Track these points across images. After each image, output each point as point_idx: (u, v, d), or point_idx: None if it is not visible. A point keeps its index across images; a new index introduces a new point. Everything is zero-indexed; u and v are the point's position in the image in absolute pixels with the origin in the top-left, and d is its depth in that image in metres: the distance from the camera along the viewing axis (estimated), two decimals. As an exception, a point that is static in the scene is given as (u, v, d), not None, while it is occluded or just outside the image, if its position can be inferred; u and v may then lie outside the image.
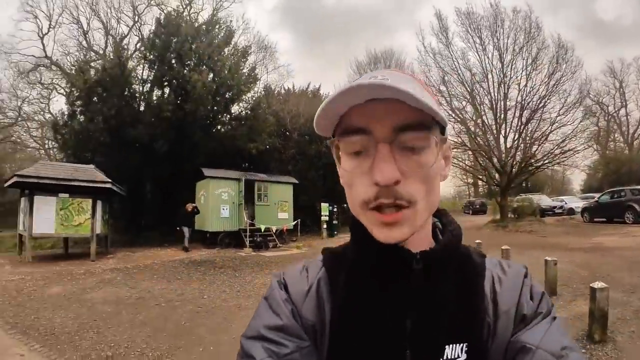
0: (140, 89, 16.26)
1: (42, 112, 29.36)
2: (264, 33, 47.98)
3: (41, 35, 28.00)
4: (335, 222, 18.55)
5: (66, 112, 15.55)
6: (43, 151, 31.05)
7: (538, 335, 0.55)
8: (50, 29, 28.25)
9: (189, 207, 14.25)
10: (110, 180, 12.21)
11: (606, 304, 3.95)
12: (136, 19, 29.32)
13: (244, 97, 17.64)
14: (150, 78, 16.55)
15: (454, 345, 0.57)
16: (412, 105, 0.51)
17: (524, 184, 29.99)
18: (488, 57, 20.99)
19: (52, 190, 11.79)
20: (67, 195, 11.92)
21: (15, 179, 11.46)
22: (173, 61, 15.37)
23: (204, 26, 18.67)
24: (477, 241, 9.62)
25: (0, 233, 23.92)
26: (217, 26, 19.04)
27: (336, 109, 0.54)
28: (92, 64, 27.61)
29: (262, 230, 14.77)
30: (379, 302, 0.60)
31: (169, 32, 16.22)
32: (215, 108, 16.35)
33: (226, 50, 17.88)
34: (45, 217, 11.71)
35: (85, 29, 28.93)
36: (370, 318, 0.60)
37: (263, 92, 20.91)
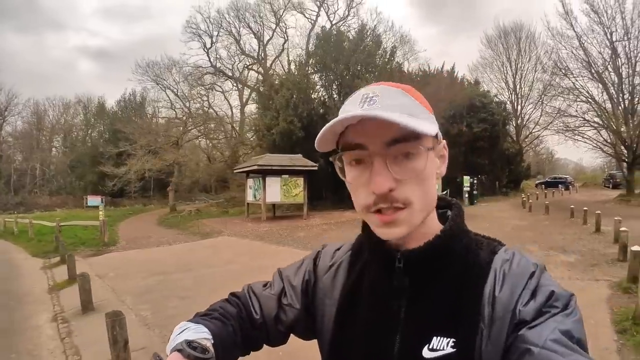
0: (317, 94, 22.46)
1: (203, 108, 37.32)
2: (385, 8, 52.27)
3: (206, 50, 36.35)
4: (475, 192, 23.53)
5: (267, 119, 22.33)
6: (206, 141, 39.47)
7: (544, 335, 0.56)
8: (213, 44, 36.41)
9: None
10: (316, 164, 18.61)
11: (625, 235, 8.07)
12: (278, 22, 36.05)
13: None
14: (321, 83, 22.69)
15: (442, 337, 0.65)
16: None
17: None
18: (613, 34, 23.11)
19: (277, 173, 18.49)
20: (287, 176, 18.63)
21: (256, 167, 18.48)
22: (342, 71, 21.19)
23: (354, 33, 24.18)
24: (585, 208, 13.58)
25: (206, 202, 32.59)
26: (364, 31, 24.42)
27: (333, 130, 0.64)
28: (252, 67, 35.12)
29: None
30: (381, 290, 0.74)
31: (330, 47, 22.03)
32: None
33: (377, 53, 23.15)
34: (273, 191, 18.70)
35: (237, 38, 36.47)
36: (371, 302, 0.75)
37: (409, 82, 25.81)
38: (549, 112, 28.81)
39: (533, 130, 40.26)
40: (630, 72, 22.98)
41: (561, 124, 26.76)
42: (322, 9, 34.71)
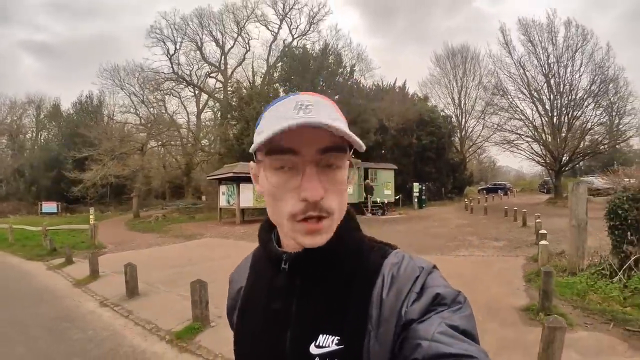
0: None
1: (160, 113, 37.76)
2: (336, 16, 54.98)
3: (169, 56, 37.12)
4: (424, 197, 26.57)
5: (237, 130, 24.10)
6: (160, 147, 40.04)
7: (431, 329, 0.60)
8: (176, 51, 37.28)
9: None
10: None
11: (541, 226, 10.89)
12: (240, 32, 37.45)
13: (355, 103, 25.49)
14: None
15: (327, 335, 0.69)
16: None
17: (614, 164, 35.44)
18: (545, 63, 27.17)
19: (250, 180, 20.21)
20: (260, 183, 20.50)
21: (231, 174, 20.17)
22: (307, 87, 23.43)
23: (317, 48, 26.62)
24: (515, 208, 16.76)
25: (167, 209, 33.04)
26: (327, 49, 26.87)
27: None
28: (213, 75, 36.21)
29: (378, 202, 23.23)
30: (274, 290, 0.78)
31: (296, 63, 24.26)
32: (336, 118, 24.39)
33: (339, 72, 25.62)
34: (247, 197, 20.55)
35: (199, 45, 37.45)
36: (265, 301, 0.79)
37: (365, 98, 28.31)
38: (489, 127, 32.62)
39: (476, 141, 44.64)
40: (558, 94, 26.99)
41: (500, 137, 30.58)
42: (284, 22, 36.63)
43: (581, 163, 34.66)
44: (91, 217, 16.12)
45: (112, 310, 6.66)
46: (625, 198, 6.44)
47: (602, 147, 27.23)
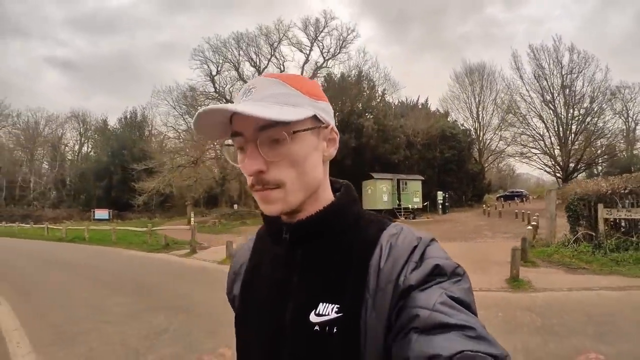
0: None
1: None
2: (361, 37, 60.00)
3: (211, 77, 42.43)
4: (447, 204, 31.71)
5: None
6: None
7: (432, 299, 0.63)
8: (219, 72, 42.58)
9: None
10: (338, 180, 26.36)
11: (536, 221, 16.15)
12: (273, 52, 42.66)
13: (387, 124, 30.99)
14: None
15: (327, 304, 0.72)
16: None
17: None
18: (552, 84, 32.36)
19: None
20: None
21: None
22: (350, 114, 28.89)
23: (353, 76, 32.06)
24: (522, 211, 21.80)
25: (206, 215, 37.83)
26: (362, 75, 32.36)
27: (217, 119, 0.72)
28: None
29: (409, 208, 28.53)
30: (276, 261, 0.83)
31: (337, 90, 29.82)
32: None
33: (374, 97, 31.11)
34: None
35: (237, 65, 42.70)
36: (268, 273, 0.84)
37: (393, 118, 33.78)
38: (503, 140, 37.88)
39: (494, 152, 49.79)
40: (565, 112, 32.22)
41: (513, 150, 35.87)
42: (315, 45, 41.69)
43: (599, 169, 39.46)
44: (192, 219, 21.22)
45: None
46: (575, 198, 11.63)
47: (617, 152, 32.15)
